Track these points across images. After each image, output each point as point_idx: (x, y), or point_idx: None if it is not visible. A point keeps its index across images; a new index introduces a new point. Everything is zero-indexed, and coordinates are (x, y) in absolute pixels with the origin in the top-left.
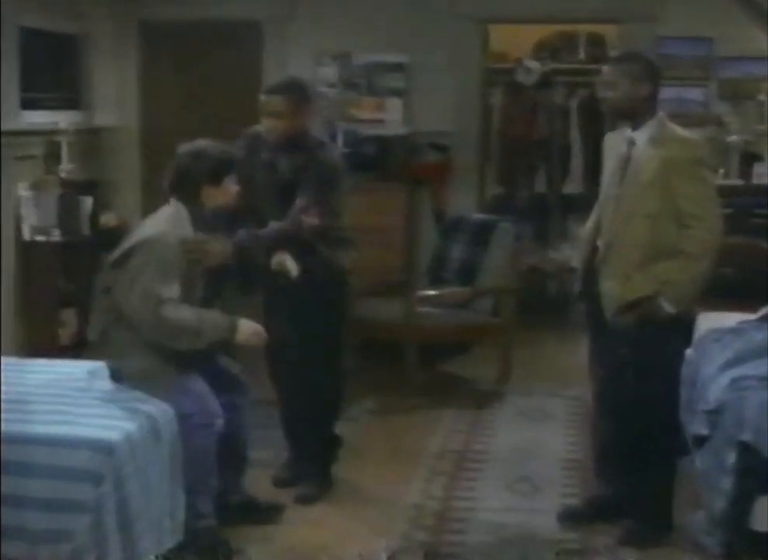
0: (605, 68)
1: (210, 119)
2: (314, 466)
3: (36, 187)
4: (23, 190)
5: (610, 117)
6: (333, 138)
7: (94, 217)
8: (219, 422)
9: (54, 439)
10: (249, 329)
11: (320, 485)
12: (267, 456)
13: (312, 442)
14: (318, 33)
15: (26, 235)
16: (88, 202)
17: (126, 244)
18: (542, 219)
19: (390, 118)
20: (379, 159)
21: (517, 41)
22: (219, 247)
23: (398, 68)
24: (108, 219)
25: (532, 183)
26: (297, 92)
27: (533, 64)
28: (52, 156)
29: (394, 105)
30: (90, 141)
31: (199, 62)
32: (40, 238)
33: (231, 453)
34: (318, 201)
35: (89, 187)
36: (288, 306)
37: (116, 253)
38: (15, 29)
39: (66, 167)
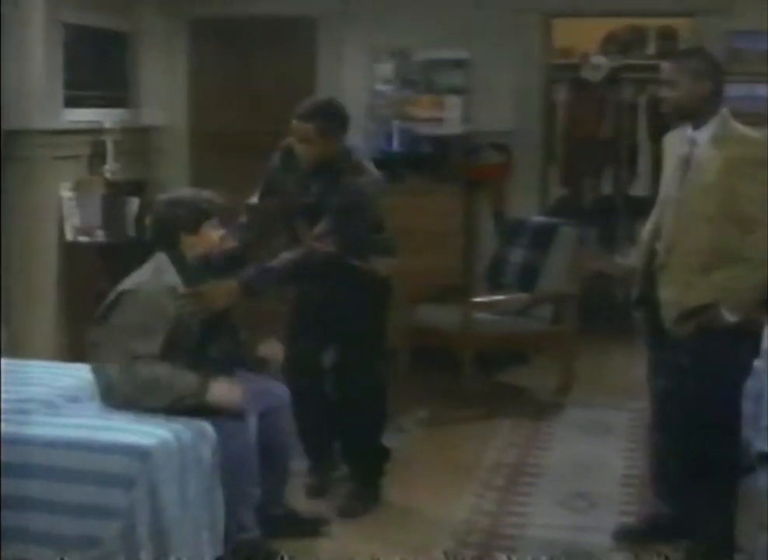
0: (664, 65)
1: (261, 119)
2: (361, 479)
3: (79, 187)
4: (66, 191)
5: (670, 116)
6: (389, 137)
7: (140, 218)
8: (253, 432)
9: (86, 443)
10: (222, 389)
11: (367, 500)
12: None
13: (359, 456)
14: (375, 28)
15: (69, 236)
16: (133, 203)
17: (107, 298)
18: (609, 222)
19: (449, 117)
20: (436, 160)
21: (583, 35)
22: (222, 291)
23: (458, 64)
24: None
25: (598, 184)
26: (328, 119)
27: (600, 60)
28: (97, 156)
29: (453, 103)
30: (137, 140)
31: (251, 60)
32: (83, 239)
33: (271, 463)
34: (335, 229)
35: (134, 187)
36: (321, 318)
37: (100, 308)
38: (59, 26)
39: (111, 167)
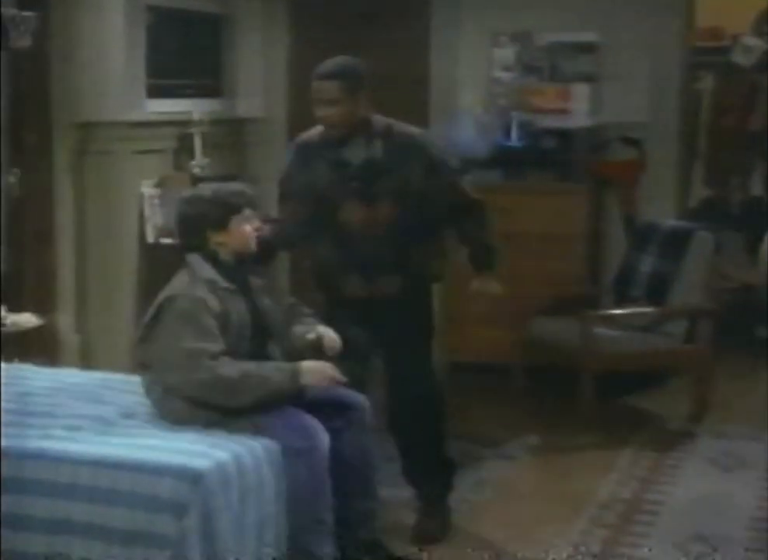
0: None
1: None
2: (428, 497)
3: (162, 184)
4: (148, 188)
5: None
6: (507, 130)
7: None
8: (323, 450)
9: (134, 464)
10: (314, 367)
11: (439, 517)
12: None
13: (423, 470)
14: (494, 8)
15: (150, 237)
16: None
17: (147, 316)
18: (758, 227)
19: (575, 108)
20: (560, 156)
21: (733, 13)
22: None
23: (586, 48)
24: None
25: (747, 184)
26: (351, 75)
27: (753, 42)
28: (183, 150)
29: (581, 92)
30: (229, 132)
31: (357, 44)
32: (165, 240)
33: (353, 484)
34: (417, 191)
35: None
36: (370, 319)
37: (141, 328)
38: (141, 8)
39: (199, 162)
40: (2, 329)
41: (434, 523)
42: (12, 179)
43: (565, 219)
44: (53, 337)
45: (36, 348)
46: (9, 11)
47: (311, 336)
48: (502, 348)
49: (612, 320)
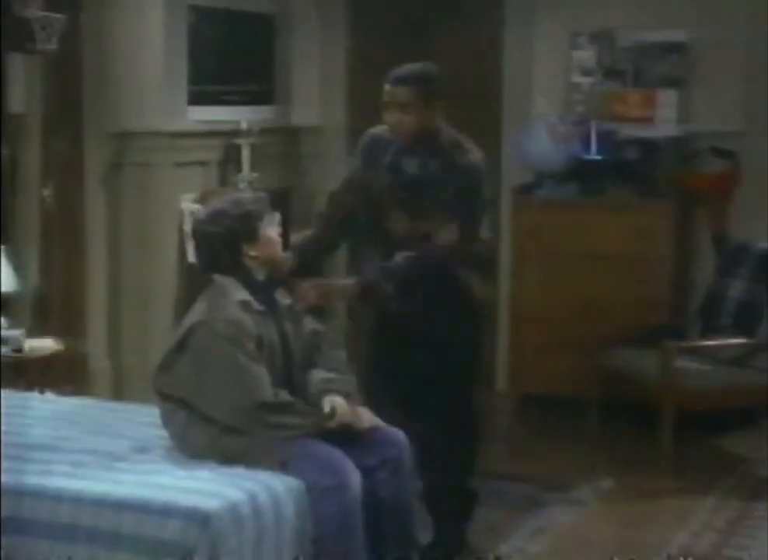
0: None
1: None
2: (445, 525)
3: (205, 199)
4: (189, 203)
5: None
6: (586, 140)
7: (284, 235)
8: (353, 489)
9: (138, 503)
10: (347, 408)
11: (451, 548)
12: None
13: (445, 500)
14: (572, 5)
15: (191, 256)
16: (274, 217)
17: (172, 342)
18: None
19: (661, 115)
20: (643, 169)
21: None
22: (339, 287)
23: (675, 49)
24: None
25: None
26: (428, 83)
27: None
28: (229, 162)
29: (667, 98)
30: (282, 143)
31: (422, 46)
32: None
33: (389, 528)
34: (457, 214)
35: (277, 199)
36: (405, 339)
37: (164, 355)
38: (183, 8)
39: (247, 176)
40: (21, 355)
41: (445, 551)
42: (46, 192)
43: (647, 239)
44: (82, 363)
45: (63, 375)
46: (35, 13)
47: (326, 409)
48: (574, 381)
49: (696, 352)
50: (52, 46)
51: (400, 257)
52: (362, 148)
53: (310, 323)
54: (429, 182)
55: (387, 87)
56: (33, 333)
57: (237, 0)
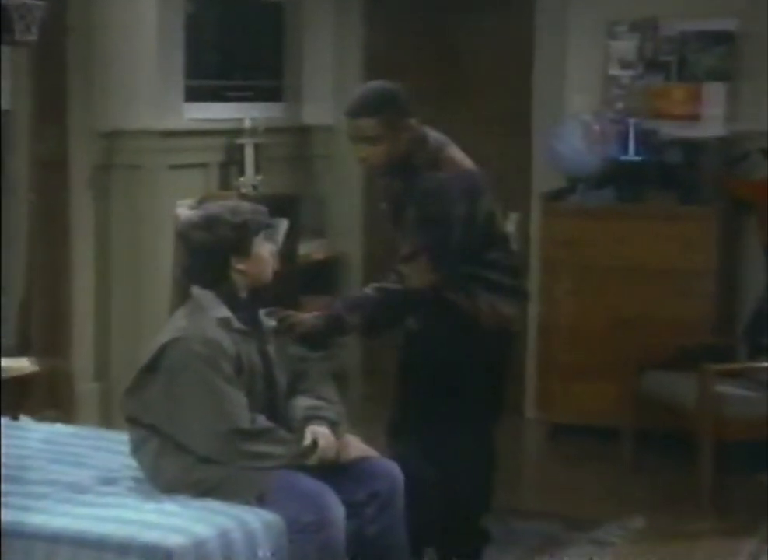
0: None
1: (463, 115)
2: None
3: (204, 204)
4: (185, 209)
5: None
6: (624, 140)
7: (291, 245)
8: (336, 525)
9: (95, 540)
10: (330, 448)
11: None
12: None
13: (455, 539)
14: None
15: (173, 264)
16: (281, 225)
17: (144, 361)
18: None
19: (708, 113)
20: (687, 172)
21: None
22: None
23: (723, 39)
24: (312, 249)
25: None
26: (394, 109)
27: None
28: (231, 164)
29: (714, 93)
30: (291, 143)
31: (446, 36)
32: None
33: None
34: (426, 246)
35: (283, 205)
36: (411, 368)
37: (135, 375)
38: None
39: (250, 179)
40: None
41: None
42: (31, 196)
43: (691, 250)
44: (66, 385)
45: (44, 399)
46: (14, 0)
47: (306, 442)
48: (608, 407)
49: (739, 376)
50: (32, 36)
51: (370, 288)
52: None
53: (294, 349)
54: (402, 206)
55: (347, 122)
56: (11, 351)
57: None
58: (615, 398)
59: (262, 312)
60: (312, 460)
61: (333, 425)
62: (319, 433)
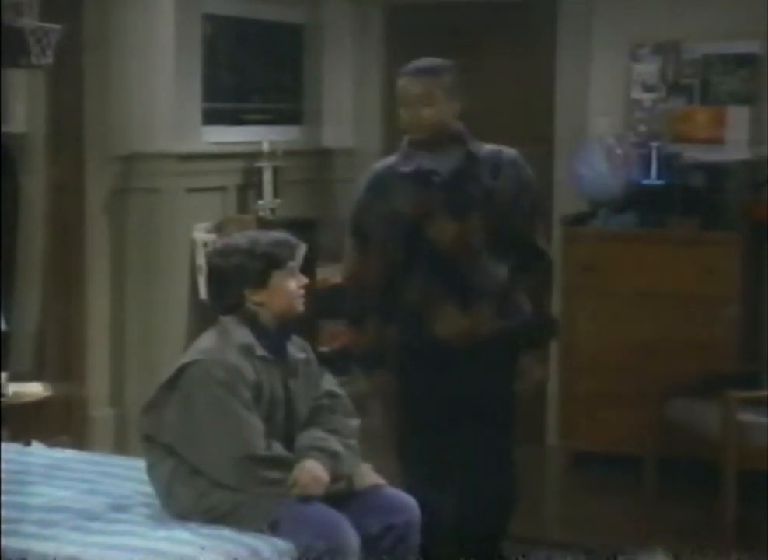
0: None
1: (484, 136)
2: None
3: (221, 229)
4: (201, 233)
5: None
6: (646, 164)
7: (309, 270)
8: (352, 554)
9: None
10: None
11: None
12: None
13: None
14: (633, 13)
15: (203, 292)
16: (301, 249)
17: (164, 379)
18: None
19: (732, 136)
20: (711, 196)
21: None
22: None
23: (747, 61)
24: (329, 274)
25: None
26: (452, 75)
27: None
28: (249, 188)
29: (738, 116)
30: (311, 166)
31: (466, 59)
32: None
33: None
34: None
35: (302, 229)
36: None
37: (154, 393)
38: (197, 18)
39: (269, 203)
40: (2, 400)
41: None
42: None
43: (714, 276)
44: (81, 411)
45: (57, 424)
46: (29, 23)
47: (295, 472)
48: (631, 435)
49: (764, 404)
50: (48, 60)
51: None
52: (367, 184)
53: (329, 384)
54: (469, 176)
55: (405, 80)
56: (25, 376)
57: (259, 8)
58: (638, 426)
59: (290, 342)
60: (293, 494)
61: (333, 457)
62: (306, 468)
